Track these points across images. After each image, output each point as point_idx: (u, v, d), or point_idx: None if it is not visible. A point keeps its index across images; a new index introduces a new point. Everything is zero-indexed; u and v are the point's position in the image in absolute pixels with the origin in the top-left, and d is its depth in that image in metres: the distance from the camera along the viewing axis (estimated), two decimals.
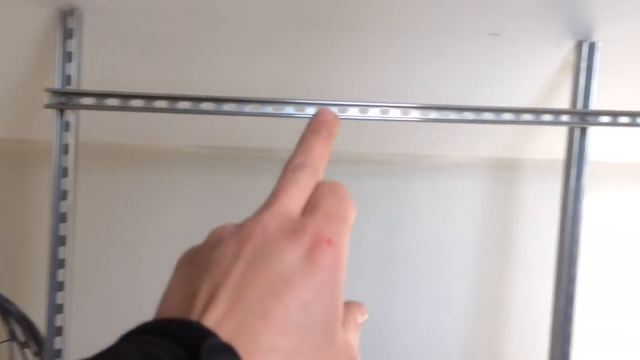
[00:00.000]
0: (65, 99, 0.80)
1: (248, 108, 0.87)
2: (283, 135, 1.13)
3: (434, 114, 0.94)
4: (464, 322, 1.31)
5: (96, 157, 1.06)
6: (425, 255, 1.28)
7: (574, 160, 1.04)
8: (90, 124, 0.89)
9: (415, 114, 0.94)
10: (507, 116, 0.96)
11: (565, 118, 0.97)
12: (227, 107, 0.87)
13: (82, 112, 0.86)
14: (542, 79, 1.00)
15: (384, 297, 1.28)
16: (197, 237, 1.11)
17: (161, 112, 0.85)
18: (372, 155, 1.23)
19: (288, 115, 0.89)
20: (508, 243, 1.31)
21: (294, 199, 0.26)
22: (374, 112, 0.93)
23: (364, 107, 0.92)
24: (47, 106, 0.81)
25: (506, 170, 1.29)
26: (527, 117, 0.96)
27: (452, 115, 0.95)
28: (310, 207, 0.25)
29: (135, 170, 1.14)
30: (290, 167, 0.27)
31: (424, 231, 1.28)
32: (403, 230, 1.27)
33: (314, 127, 0.29)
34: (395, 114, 0.93)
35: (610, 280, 1.34)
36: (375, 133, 1.16)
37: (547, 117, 0.97)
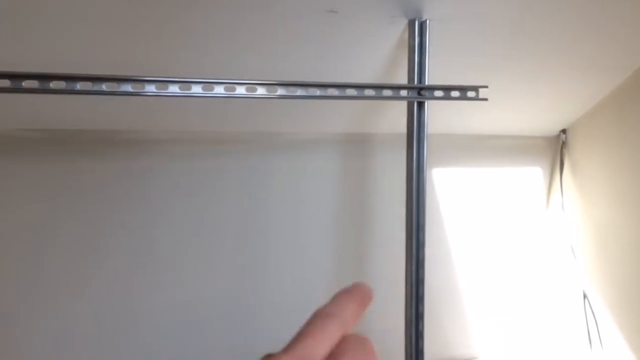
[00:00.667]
0: None
1: (79, 86, 0.81)
2: (125, 117, 1.08)
3: (280, 91, 0.94)
4: (327, 295, 1.35)
5: None
6: (286, 231, 1.30)
7: (415, 133, 1.10)
8: None
9: (261, 91, 0.93)
10: (351, 92, 0.99)
11: (403, 93, 1.03)
12: (53, 84, 0.79)
13: None
14: (382, 56, 1.05)
15: (245, 276, 1.27)
16: (33, 227, 1.02)
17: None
18: (227, 135, 1.21)
19: (125, 93, 0.84)
20: (363, 214, 1.36)
21: (320, 345, 0.25)
22: (219, 90, 0.90)
23: (208, 84, 0.89)
24: None
25: (357, 145, 1.34)
26: (370, 92, 1.00)
27: (299, 91, 0.96)
28: (336, 355, 0.24)
29: None
30: (320, 315, 0.25)
31: (283, 207, 1.29)
32: (263, 207, 1.28)
33: (351, 290, 0.28)
34: (241, 91, 0.92)
35: (458, 242, 1.46)
36: (228, 112, 1.14)
37: (388, 92, 1.02)
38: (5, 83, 0.78)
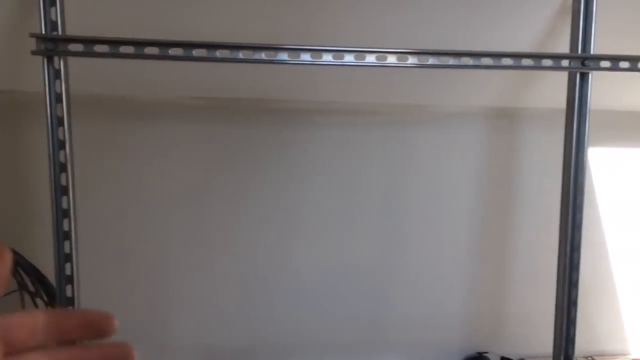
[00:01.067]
0: (52, 45, 0.79)
1: (241, 54, 0.86)
2: (276, 86, 1.13)
3: (431, 60, 0.93)
4: (467, 273, 1.32)
5: (89, 109, 1.05)
6: (426, 207, 1.28)
7: (576, 108, 1.02)
8: (82, 75, 0.88)
9: (412, 60, 0.92)
10: (507, 61, 0.95)
11: (565, 63, 0.96)
12: (220, 53, 0.85)
13: (75, 63, 0.85)
14: (540, 22, 0.98)
15: (385, 249, 1.28)
16: (191, 187, 1.12)
17: (152, 59, 0.83)
18: (370, 106, 1.22)
19: (282, 62, 0.88)
20: (510, 194, 1.30)
21: None
22: (371, 59, 0.91)
23: (360, 53, 0.90)
24: (34, 53, 0.79)
25: (506, 120, 1.27)
26: (527, 62, 0.94)
27: (451, 61, 0.93)
28: None
29: (129, 121, 1.13)
30: None
31: (424, 183, 1.27)
32: (403, 182, 1.27)
33: None
34: (392, 60, 0.92)
35: (614, 228, 1.34)
36: (373, 83, 1.14)
37: (547, 62, 0.95)
38: (153, 51, 0.84)
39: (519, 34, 1.02)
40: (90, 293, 1.09)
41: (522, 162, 1.30)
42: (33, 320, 0.29)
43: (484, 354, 1.32)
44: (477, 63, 0.93)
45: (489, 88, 1.19)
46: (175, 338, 1.23)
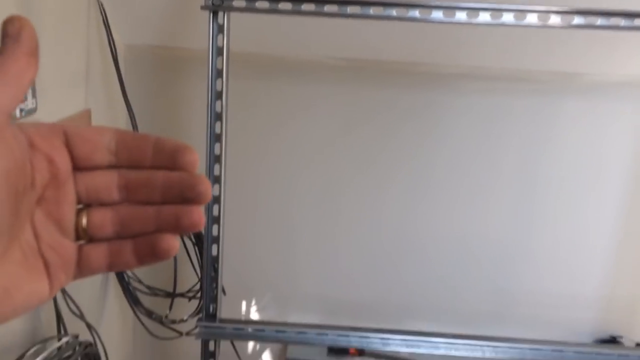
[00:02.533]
0: (219, 1, 0.83)
1: (372, 11, 0.85)
2: (424, 49, 1.10)
3: (600, 21, 0.85)
4: (608, 254, 1.23)
5: (242, 65, 1.10)
6: (570, 182, 1.20)
7: None
8: (240, 34, 0.92)
9: (578, 21, 0.86)
10: None
11: None
12: (351, 9, 0.85)
13: (233, 20, 0.89)
14: None
15: (519, 221, 1.23)
16: (328, 145, 1.14)
17: (308, 15, 0.85)
18: (517, 72, 1.15)
19: (411, 19, 0.85)
20: None
21: None
22: (532, 19, 0.86)
23: (520, 12, 0.85)
24: (203, 8, 0.84)
25: None
26: None
27: (622, 22, 0.85)
28: None
29: (276, 78, 1.17)
30: None
31: (570, 156, 1.20)
32: (545, 154, 1.20)
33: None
34: (555, 20, 0.86)
35: None
36: (524, 47, 1.08)
37: None
38: (310, 7, 0.85)
39: None
40: (235, 233, 1.17)
41: None
42: (101, 138, 0.28)
43: (618, 338, 1.24)
44: (630, 24, 0.84)
45: None
46: (302, 289, 1.29)
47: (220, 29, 0.87)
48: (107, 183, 0.28)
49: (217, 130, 0.90)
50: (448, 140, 1.19)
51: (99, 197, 0.28)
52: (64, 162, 0.27)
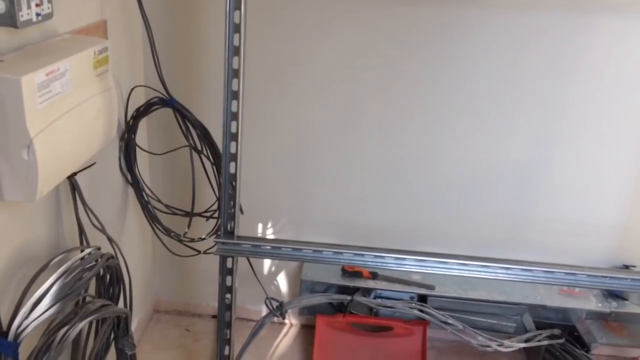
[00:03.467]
0: None
1: None
2: None
3: None
4: (625, 184, 1.21)
5: None
6: (593, 108, 1.16)
7: None
8: None
9: None
10: None
11: None
12: None
13: None
14: None
15: (539, 148, 1.20)
16: (346, 63, 1.09)
17: None
18: None
19: None
20: None
21: None
22: None
23: None
24: None
25: None
26: None
27: None
28: None
29: None
30: None
31: (596, 79, 1.14)
32: (571, 75, 1.14)
33: None
34: None
35: None
36: None
37: None
38: None
39: None
40: (253, 150, 1.15)
41: None
42: None
43: (631, 267, 1.24)
44: None
45: None
46: (317, 212, 1.29)
47: None
48: None
49: (236, 43, 0.88)
50: (473, 58, 1.14)
51: None
52: None
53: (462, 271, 0.95)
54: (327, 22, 1.14)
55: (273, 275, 1.37)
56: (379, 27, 1.14)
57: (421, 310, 1.20)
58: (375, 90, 1.18)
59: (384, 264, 0.97)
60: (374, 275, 1.27)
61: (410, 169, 1.24)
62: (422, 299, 1.27)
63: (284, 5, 1.13)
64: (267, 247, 1.04)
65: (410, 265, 0.96)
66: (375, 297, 1.26)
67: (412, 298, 1.28)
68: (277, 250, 1.03)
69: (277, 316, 1.09)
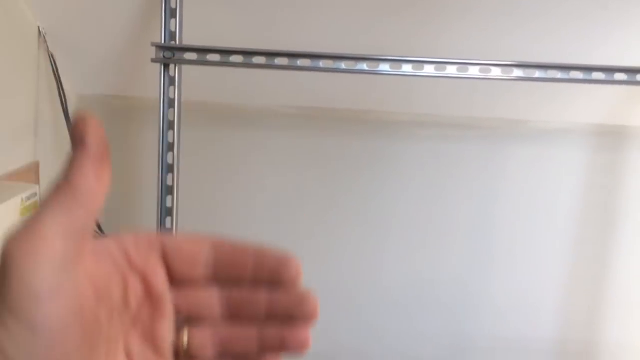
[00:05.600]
0: (170, 54, 0.84)
1: (322, 64, 0.87)
2: (375, 97, 1.13)
3: (538, 73, 0.90)
4: (558, 298, 1.26)
5: (197, 114, 1.10)
6: (518, 227, 1.24)
7: None
8: (192, 83, 0.93)
9: (518, 73, 0.90)
10: (620, 76, 0.90)
11: None
12: (301, 62, 0.87)
13: (185, 71, 0.90)
14: None
15: (472, 267, 1.25)
16: (281, 194, 1.14)
17: (259, 67, 0.87)
18: (467, 120, 1.19)
19: (360, 72, 0.88)
20: (611, 217, 1.23)
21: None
22: (474, 71, 0.90)
23: (463, 65, 0.89)
24: (154, 60, 0.85)
25: (611, 139, 1.21)
26: None
27: (559, 74, 0.90)
28: None
29: (229, 127, 1.18)
30: None
31: (518, 201, 1.23)
32: (495, 199, 1.23)
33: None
34: (496, 73, 0.90)
35: None
36: (472, 95, 1.12)
37: None
38: (261, 60, 0.87)
39: (632, 46, 0.97)
40: None
41: (626, 183, 1.22)
42: (200, 251, 0.26)
43: None
44: (587, 77, 0.89)
45: (595, 105, 1.13)
46: None
47: (171, 81, 0.88)
48: (207, 301, 0.26)
49: (169, 182, 0.90)
50: (401, 187, 1.21)
51: (199, 316, 0.26)
52: (160, 280, 0.25)
53: None
54: (260, 155, 1.19)
55: None
56: (311, 158, 1.20)
57: None
58: (310, 217, 1.21)
59: None
60: None
61: (348, 294, 1.24)
62: None
63: (218, 142, 1.17)
64: None
65: None
66: None
67: None
68: None
69: None
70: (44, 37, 0.96)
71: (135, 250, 0.25)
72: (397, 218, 1.22)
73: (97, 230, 1.06)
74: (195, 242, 0.26)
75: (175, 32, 0.84)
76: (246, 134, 1.18)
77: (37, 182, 0.93)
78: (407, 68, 0.89)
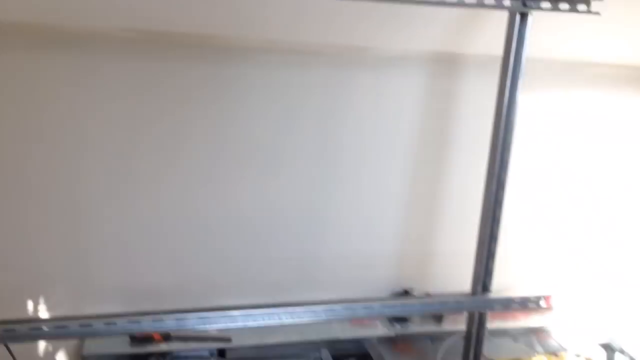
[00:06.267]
0: None
1: None
2: (216, 21, 1.06)
3: None
4: (397, 214, 1.33)
5: (15, 36, 0.96)
6: (361, 149, 1.27)
7: (513, 51, 1.02)
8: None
9: None
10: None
11: (507, 2, 0.95)
12: None
13: None
14: None
15: (318, 190, 1.27)
16: (115, 124, 1.03)
17: None
18: (311, 46, 1.17)
19: None
20: (446, 136, 1.31)
21: None
22: None
23: None
24: None
25: (446, 65, 1.27)
26: (470, 1, 0.93)
27: None
28: None
29: (52, 51, 1.04)
30: None
31: (361, 125, 1.26)
32: (339, 123, 1.25)
33: None
34: None
35: (539, 170, 1.39)
36: (314, 22, 1.10)
37: (490, 1, 0.94)
38: None
39: None
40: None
41: (459, 106, 1.30)
42: None
43: (410, 290, 1.36)
44: None
45: (430, 32, 1.17)
46: (96, 280, 1.19)
47: None
48: None
49: None
50: (248, 114, 1.18)
51: None
52: None
53: (247, 320, 0.93)
54: (92, 81, 1.08)
55: (49, 356, 1.20)
56: (148, 85, 1.11)
57: None
58: (147, 147, 1.14)
59: (163, 327, 0.91)
60: (166, 337, 1.20)
61: (193, 224, 1.21)
62: (222, 352, 1.23)
63: (39, 67, 1.04)
64: (47, 327, 0.89)
65: (192, 323, 0.92)
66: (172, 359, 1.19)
67: (212, 354, 1.23)
68: (61, 329, 0.90)
69: None
70: None
71: None
72: (242, 146, 1.19)
73: None
74: None
75: None
76: (76, 59, 1.06)
77: None
78: None
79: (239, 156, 1.20)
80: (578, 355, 1.48)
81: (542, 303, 1.07)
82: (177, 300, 1.19)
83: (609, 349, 1.48)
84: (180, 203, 1.19)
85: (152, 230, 1.19)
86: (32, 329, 0.87)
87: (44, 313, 1.16)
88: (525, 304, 1.06)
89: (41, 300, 1.16)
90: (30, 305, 1.15)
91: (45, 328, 0.89)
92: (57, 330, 0.89)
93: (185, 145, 1.16)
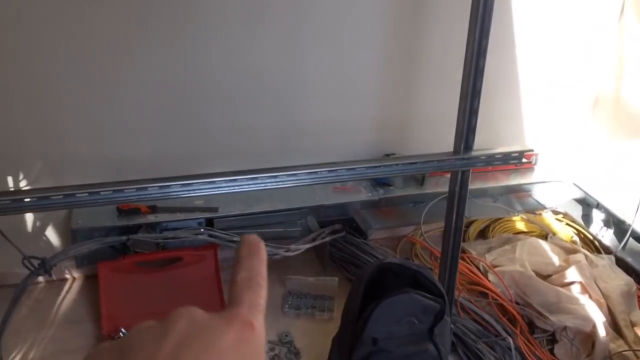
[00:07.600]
0: None
1: None
2: None
3: None
4: (375, 77, 1.30)
5: None
6: (341, 10, 1.20)
7: None
8: None
9: None
10: None
11: None
12: None
13: None
14: None
15: (290, 53, 1.21)
16: None
17: None
18: None
19: None
20: None
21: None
22: None
23: None
24: None
25: None
26: None
27: None
28: (234, 299, 0.29)
29: None
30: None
31: None
32: None
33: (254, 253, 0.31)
34: None
35: (522, 39, 1.35)
36: None
37: None
38: None
39: None
40: None
41: None
42: None
43: (391, 155, 1.35)
44: None
45: None
46: (73, 152, 1.16)
47: None
48: None
49: None
50: None
51: None
52: None
53: (231, 187, 0.93)
54: None
55: (38, 231, 1.22)
56: None
57: (210, 235, 1.18)
58: (119, 17, 1.07)
59: (147, 195, 0.90)
60: (153, 209, 1.21)
61: (172, 89, 1.17)
62: (210, 222, 1.25)
63: None
64: (29, 199, 0.88)
65: (176, 191, 0.91)
66: (161, 231, 1.21)
67: (200, 224, 1.25)
68: (44, 200, 0.89)
69: (42, 275, 0.98)
70: None
71: None
72: (221, 9, 1.12)
73: None
74: None
75: None
76: None
77: None
78: None
79: (214, 21, 1.13)
80: (555, 212, 1.54)
81: (524, 159, 1.07)
82: (159, 173, 1.18)
83: (584, 204, 1.54)
84: (157, 70, 1.14)
85: (127, 100, 1.15)
86: (13, 201, 0.86)
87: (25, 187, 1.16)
88: (507, 160, 1.06)
89: (20, 177, 1.15)
90: (10, 182, 1.14)
91: (27, 200, 0.88)
92: (41, 202, 0.88)
93: (161, 10, 1.09)
